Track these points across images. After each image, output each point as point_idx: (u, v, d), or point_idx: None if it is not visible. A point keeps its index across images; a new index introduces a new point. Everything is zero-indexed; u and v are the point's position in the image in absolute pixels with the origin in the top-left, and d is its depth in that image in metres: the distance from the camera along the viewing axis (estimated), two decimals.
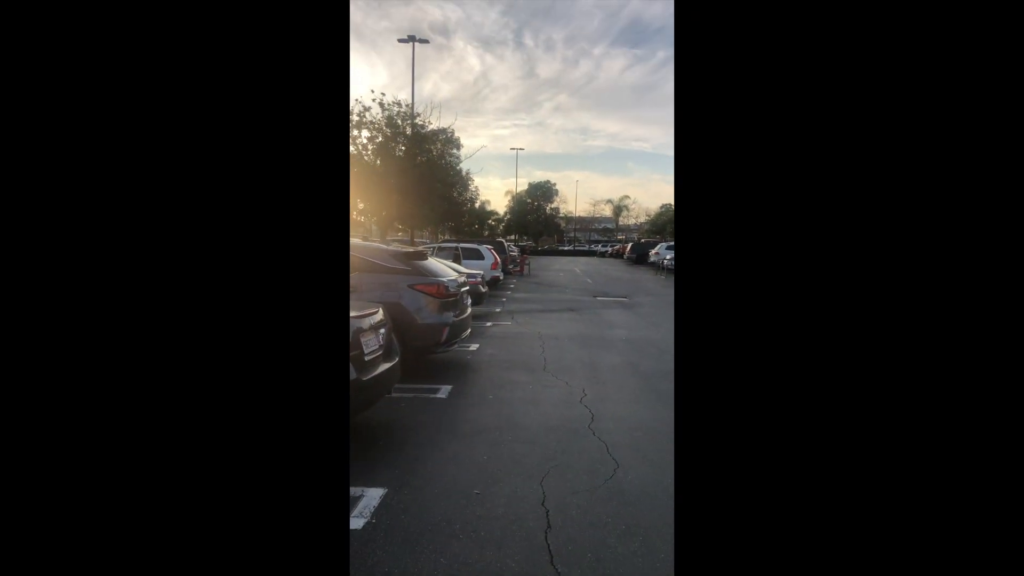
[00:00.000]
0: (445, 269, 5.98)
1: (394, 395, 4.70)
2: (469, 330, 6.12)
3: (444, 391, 4.88)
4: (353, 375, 3.12)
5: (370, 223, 20.66)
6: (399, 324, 5.11)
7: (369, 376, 3.29)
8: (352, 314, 3.45)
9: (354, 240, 5.59)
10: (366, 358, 3.37)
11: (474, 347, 7.01)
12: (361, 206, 19.22)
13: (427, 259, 5.81)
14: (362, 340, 3.37)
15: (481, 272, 10.44)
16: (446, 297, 5.34)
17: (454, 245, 14.91)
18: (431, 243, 17.24)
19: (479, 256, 14.45)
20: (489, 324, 9.20)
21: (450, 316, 5.39)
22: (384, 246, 5.57)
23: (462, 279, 6.02)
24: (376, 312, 3.71)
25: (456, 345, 5.61)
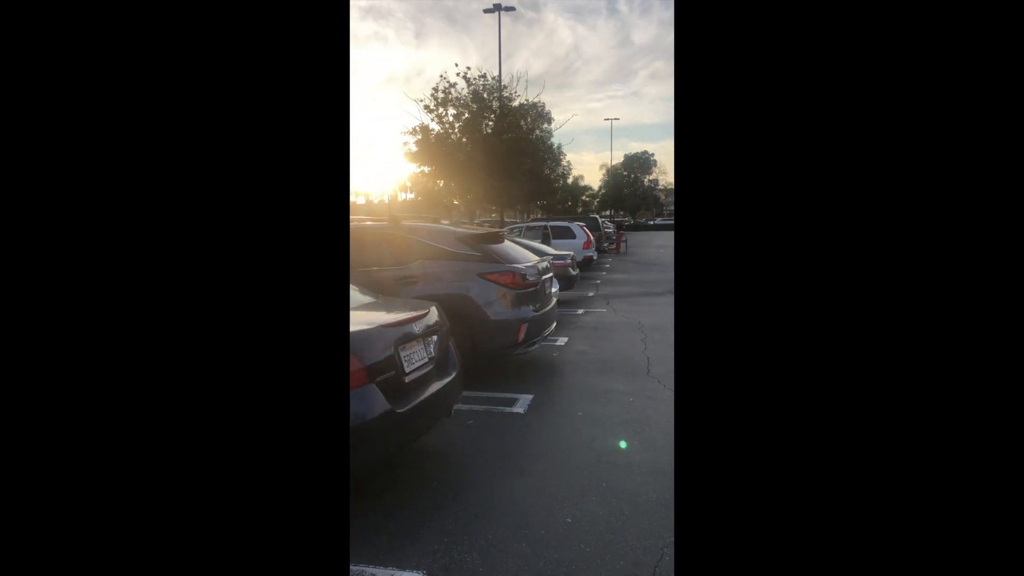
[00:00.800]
0: (524, 253, 5.03)
1: (462, 406, 3.88)
2: (554, 324, 5.15)
3: (522, 403, 3.97)
4: (384, 406, 2.28)
5: (463, 206, 20.29)
6: (467, 320, 4.27)
7: (410, 405, 2.44)
8: (389, 318, 2.61)
9: (414, 223, 4.81)
10: (407, 378, 2.52)
11: (562, 341, 6.04)
12: (452, 186, 18.83)
13: (502, 242, 4.90)
14: (402, 354, 2.53)
15: (571, 253, 9.37)
16: (523, 287, 4.40)
17: (542, 224, 13.91)
18: (519, 223, 16.40)
19: (570, 235, 13.34)
20: (581, 312, 8.17)
21: (528, 310, 4.44)
22: (452, 228, 4.74)
23: (544, 264, 5.04)
24: (426, 313, 2.85)
25: (537, 345, 4.69)
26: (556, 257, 8.51)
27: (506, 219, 24.05)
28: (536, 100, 19.27)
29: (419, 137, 17.07)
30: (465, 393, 4.19)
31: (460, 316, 4.27)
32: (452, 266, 4.35)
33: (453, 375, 2.94)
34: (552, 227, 13.62)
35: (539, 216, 27.37)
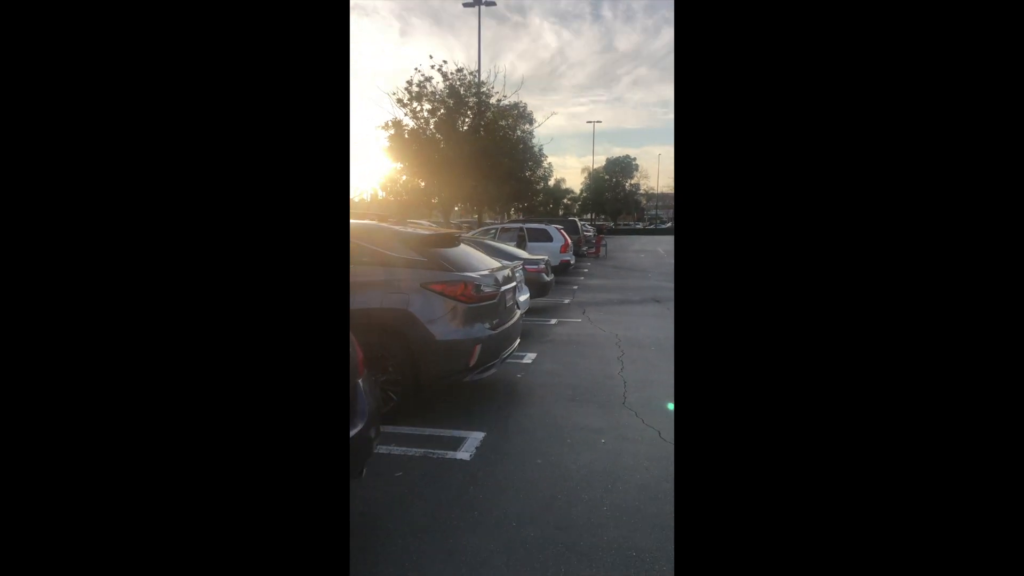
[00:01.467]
0: (481, 259, 4.28)
1: (395, 449, 3.13)
2: (518, 341, 4.42)
3: (470, 445, 3.23)
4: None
5: (440, 206, 19.48)
6: (408, 341, 3.51)
7: None
8: None
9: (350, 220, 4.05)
10: None
11: (529, 359, 5.31)
12: (423, 185, 18.04)
13: (456, 245, 4.15)
14: None
15: (546, 257, 8.65)
16: (477, 301, 3.65)
17: (518, 226, 13.18)
18: (496, 223, 15.64)
19: (547, 237, 12.63)
20: (553, 322, 7.46)
21: (483, 328, 3.70)
22: (395, 227, 3.97)
23: (506, 272, 4.30)
24: None
25: (495, 369, 3.94)
26: (529, 262, 7.80)
27: (487, 220, 23.28)
28: (517, 100, 18.64)
29: (392, 132, 16.25)
30: (403, 430, 3.44)
31: (399, 335, 3.51)
32: (390, 274, 3.58)
33: (360, 427, 2.18)
34: (528, 229, 12.89)
35: (519, 218, 26.64)
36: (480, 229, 13.64)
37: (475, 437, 3.35)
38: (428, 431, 3.44)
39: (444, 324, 3.54)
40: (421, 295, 3.55)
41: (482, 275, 3.80)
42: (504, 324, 3.99)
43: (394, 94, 16.22)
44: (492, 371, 3.85)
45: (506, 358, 4.08)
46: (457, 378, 3.63)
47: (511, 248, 8.69)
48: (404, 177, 18.46)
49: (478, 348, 3.59)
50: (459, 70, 16.24)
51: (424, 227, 6.49)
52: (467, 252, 4.19)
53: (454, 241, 4.18)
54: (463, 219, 27.05)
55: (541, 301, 8.73)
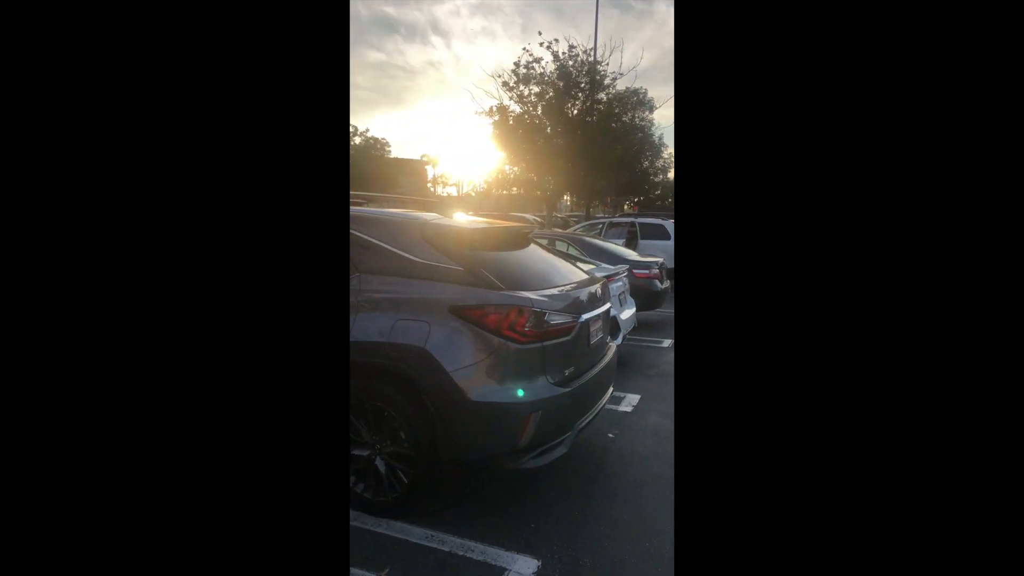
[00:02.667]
0: (557, 269, 2.82)
1: None
2: (608, 394, 2.92)
3: None
4: None
5: (543, 197, 18.22)
6: (423, 398, 2.22)
7: None
8: None
9: (353, 207, 2.80)
10: None
11: (629, 404, 3.80)
12: (523, 175, 16.87)
13: (524, 247, 2.77)
14: None
15: (660, 259, 6.92)
16: (537, 339, 2.24)
17: (629, 220, 11.42)
18: (605, 218, 13.94)
19: (664, 234, 10.75)
20: (667, 344, 5.82)
21: (546, 385, 2.27)
22: (423, 216, 2.68)
23: (595, 288, 2.81)
24: None
25: (565, 447, 2.47)
26: (637, 265, 6.18)
27: (597, 215, 21.59)
28: (636, 86, 16.77)
29: (496, 119, 15.22)
30: (410, 535, 2.12)
31: (410, 388, 2.22)
32: (403, 290, 2.29)
33: None
34: (641, 225, 11.09)
35: (627, 211, 24.47)
36: (586, 223, 12.11)
37: (519, 571, 1.98)
38: (448, 542, 2.13)
39: (481, 375, 2.18)
40: (447, 326, 2.22)
41: (550, 296, 2.37)
42: (585, 374, 2.54)
43: (499, 76, 15.16)
44: (560, 451, 2.42)
45: (586, 426, 2.62)
46: (500, 463, 2.26)
47: (616, 247, 7.11)
48: (508, 167, 17.40)
49: (534, 418, 2.19)
50: (571, 47, 14.74)
51: (529, 222, 5.14)
52: (537, 257, 2.78)
53: (519, 240, 2.80)
54: (571, 213, 25.56)
55: (652, 315, 7.05)
